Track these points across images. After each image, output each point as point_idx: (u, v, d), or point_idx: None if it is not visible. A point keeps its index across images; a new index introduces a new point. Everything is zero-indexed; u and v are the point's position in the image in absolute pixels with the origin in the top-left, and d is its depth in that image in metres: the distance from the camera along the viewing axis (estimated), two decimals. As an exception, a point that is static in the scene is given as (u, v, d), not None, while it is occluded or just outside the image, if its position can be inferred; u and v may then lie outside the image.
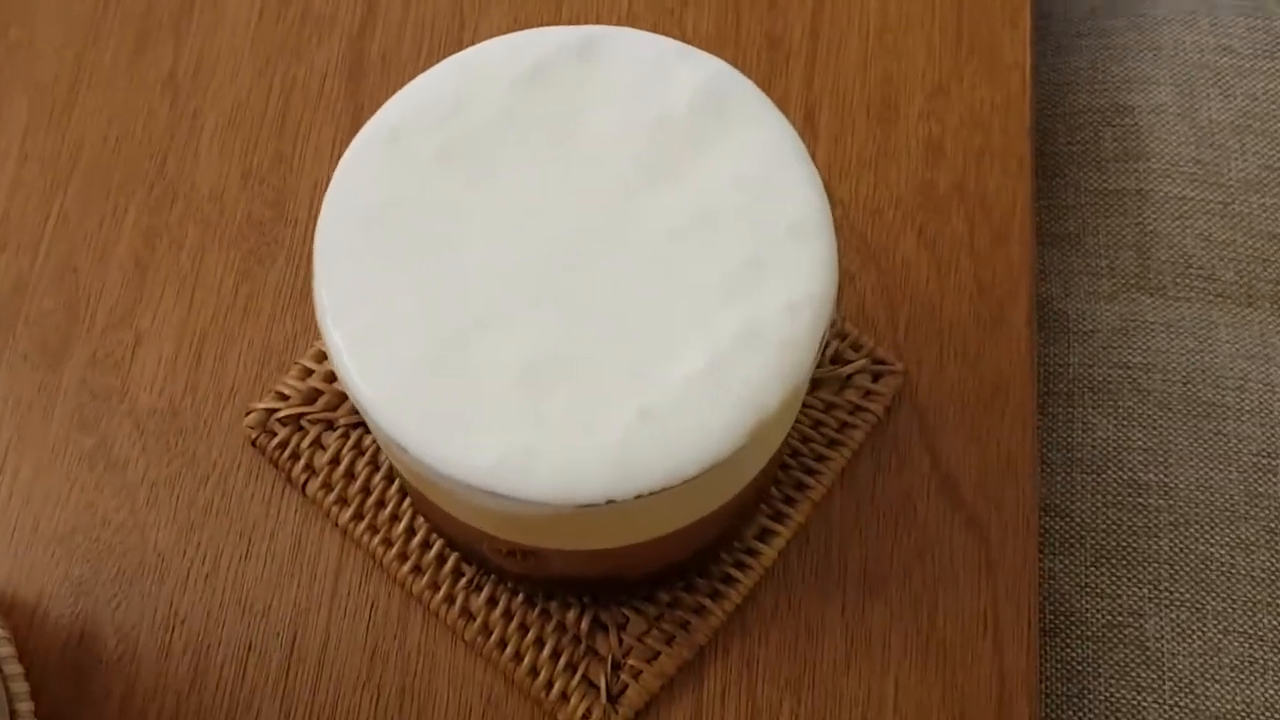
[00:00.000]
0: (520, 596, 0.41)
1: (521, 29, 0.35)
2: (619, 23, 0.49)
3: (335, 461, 0.43)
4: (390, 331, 0.30)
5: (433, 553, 0.42)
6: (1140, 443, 0.49)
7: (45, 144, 0.47)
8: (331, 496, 0.42)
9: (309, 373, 0.44)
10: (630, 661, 0.41)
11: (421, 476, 0.31)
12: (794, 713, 0.41)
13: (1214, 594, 0.47)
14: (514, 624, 0.41)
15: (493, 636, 0.41)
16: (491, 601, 0.41)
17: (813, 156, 0.32)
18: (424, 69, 0.34)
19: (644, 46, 0.33)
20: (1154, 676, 0.46)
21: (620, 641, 0.41)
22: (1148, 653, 0.46)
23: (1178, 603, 0.47)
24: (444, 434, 0.29)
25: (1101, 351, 0.51)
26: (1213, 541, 0.48)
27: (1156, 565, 0.48)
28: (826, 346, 0.44)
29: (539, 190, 0.32)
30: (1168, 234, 0.53)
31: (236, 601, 0.42)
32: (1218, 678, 0.46)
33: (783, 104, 0.47)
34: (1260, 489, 0.48)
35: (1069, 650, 0.47)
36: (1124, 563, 0.48)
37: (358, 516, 0.42)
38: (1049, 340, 0.52)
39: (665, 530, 0.34)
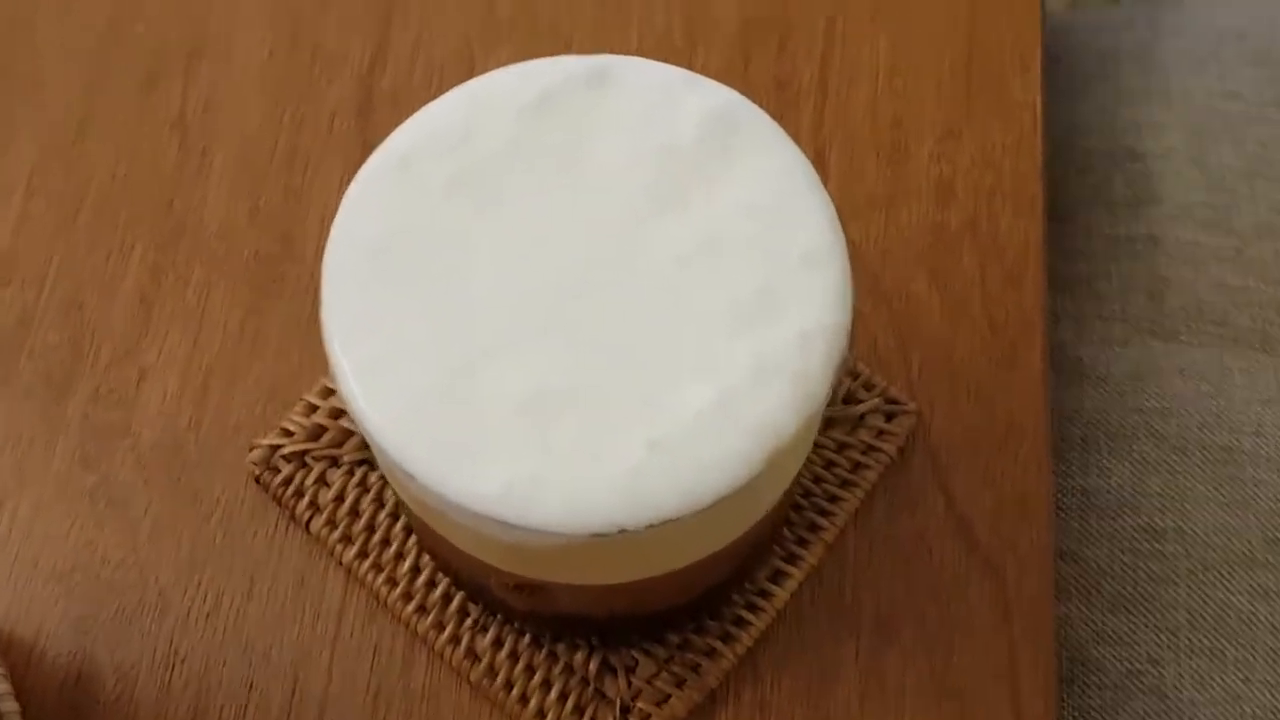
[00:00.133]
0: (527, 638, 0.41)
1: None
2: (628, 60, 0.49)
3: (340, 499, 0.42)
4: (398, 359, 0.30)
5: (438, 592, 0.41)
6: (1156, 488, 0.49)
7: (53, 179, 0.47)
8: (336, 534, 0.42)
9: (314, 409, 0.43)
10: (639, 705, 0.40)
11: (428, 506, 0.31)
12: (806, 758, 0.40)
13: (1234, 642, 0.46)
14: (520, 665, 0.40)
15: (499, 678, 0.40)
16: (498, 643, 0.41)
17: (823, 193, 0.32)
18: (434, 106, 0.34)
19: (652, 75, 0.33)
20: (1175, 725, 0.45)
21: (629, 684, 0.40)
22: (1167, 701, 0.46)
23: (1197, 651, 0.46)
24: (451, 461, 0.29)
25: (1116, 396, 0.51)
26: (1231, 588, 0.47)
27: (1175, 612, 0.47)
28: (839, 385, 0.43)
29: (547, 219, 0.31)
30: (1180, 279, 0.53)
31: (238, 641, 0.41)
32: (1240, 727, 0.45)
33: (793, 144, 0.47)
34: (1279, 535, 0.48)
35: (1086, 698, 0.46)
36: (1141, 610, 0.47)
37: (362, 554, 0.41)
38: (1063, 385, 0.51)
39: (676, 565, 0.33)
